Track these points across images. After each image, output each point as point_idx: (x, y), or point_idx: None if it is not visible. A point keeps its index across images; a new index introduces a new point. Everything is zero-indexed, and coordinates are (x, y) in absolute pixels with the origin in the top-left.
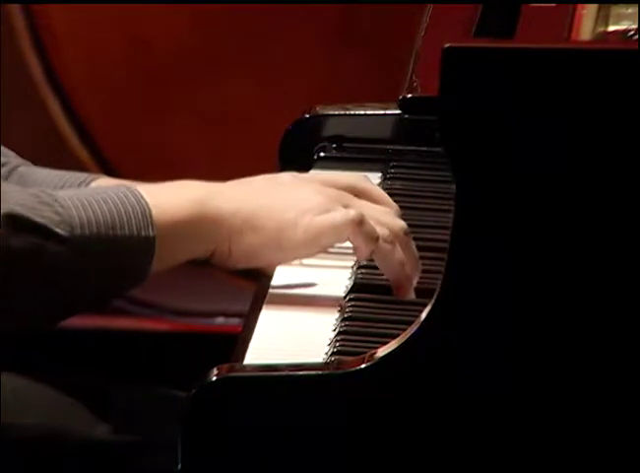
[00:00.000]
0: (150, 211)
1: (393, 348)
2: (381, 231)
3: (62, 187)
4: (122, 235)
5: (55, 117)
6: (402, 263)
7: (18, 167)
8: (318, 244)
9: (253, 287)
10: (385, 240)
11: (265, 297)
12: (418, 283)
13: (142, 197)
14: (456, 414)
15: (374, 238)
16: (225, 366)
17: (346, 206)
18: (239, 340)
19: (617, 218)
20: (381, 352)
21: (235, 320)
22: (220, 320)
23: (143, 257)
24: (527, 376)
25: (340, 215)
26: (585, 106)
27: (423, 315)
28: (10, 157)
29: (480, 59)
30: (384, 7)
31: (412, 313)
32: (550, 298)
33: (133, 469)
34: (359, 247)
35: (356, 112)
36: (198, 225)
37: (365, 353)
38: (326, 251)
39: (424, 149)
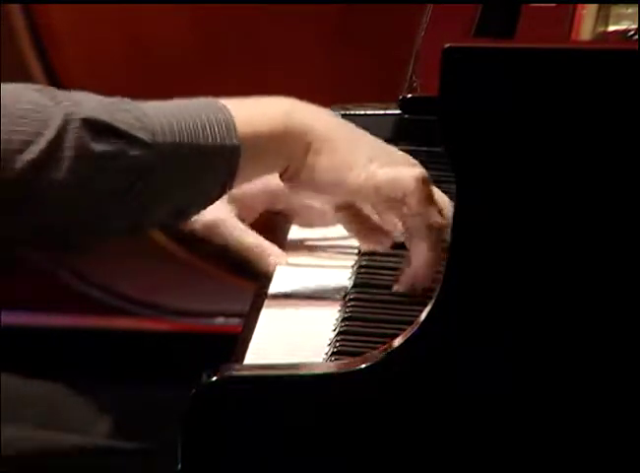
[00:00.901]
0: (234, 121)
1: (393, 348)
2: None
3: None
4: (205, 143)
5: None
6: (431, 250)
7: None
8: (377, 194)
9: (253, 287)
10: (433, 220)
11: (265, 297)
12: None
13: (225, 108)
14: (456, 414)
15: (430, 202)
16: (225, 366)
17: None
18: (239, 340)
19: (618, 217)
20: (381, 352)
21: (235, 320)
22: (220, 320)
23: (226, 167)
24: (527, 376)
25: (406, 170)
26: (585, 106)
27: (423, 315)
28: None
29: (480, 59)
30: (384, 7)
31: (412, 313)
32: (551, 297)
33: (133, 469)
34: (410, 204)
35: (356, 112)
36: (281, 138)
37: (365, 353)
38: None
39: (424, 149)
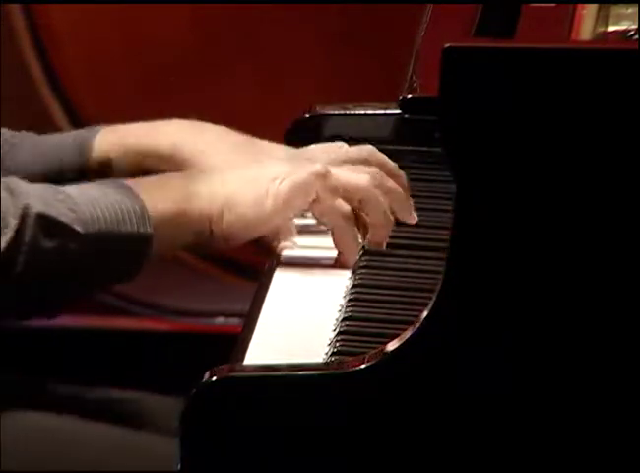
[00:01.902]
0: (146, 209)
1: (393, 348)
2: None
3: (62, 160)
4: (125, 231)
5: (55, 117)
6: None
7: (25, 137)
8: (291, 207)
9: (253, 287)
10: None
11: (265, 297)
12: (418, 283)
13: (137, 196)
14: (456, 414)
15: (337, 191)
16: (225, 366)
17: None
18: (239, 340)
19: (618, 217)
20: (381, 352)
21: (235, 320)
22: (220, 320)
23: (142, 252)
24: (527, 376)
25: (302, 171)
26: (585, 106)
27: (423, 315)
28: (13, 133)
29: (480, 59)
30: (384, 7)
31: (412, 313)
32: (551, 297)
33: (133, 469)
34: (322, 198)
35: (356, 112)
36: (184, 219)
37: (365, 353)
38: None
39: (424, 149)
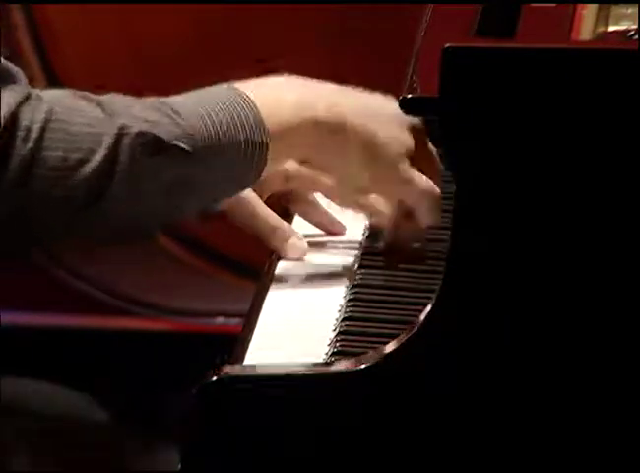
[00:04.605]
0: (261, 116)
1: (393, 348)
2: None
3: None
4: (238, 141)
5: None
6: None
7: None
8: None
9: (253, 287)
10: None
11: (265, 297)
12: (418, 283)
13: (252, 102)
14: (456, 414)
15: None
16: (225, 366)
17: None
18: (239, 340)
19: (618, 217)
20: (381, 352)
21: (235, 320)
22: (220, 320)
23: (258, 161)
24: (527, 377)
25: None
26: (585, 107)
27: (423, 315)
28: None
29: (480, 59)
30: (385, 7)
31: (412, 313)
32: (551, 297)
33: (133, 469)
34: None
35: None
36: (301, 128)
37: (365, 353)
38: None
39: None
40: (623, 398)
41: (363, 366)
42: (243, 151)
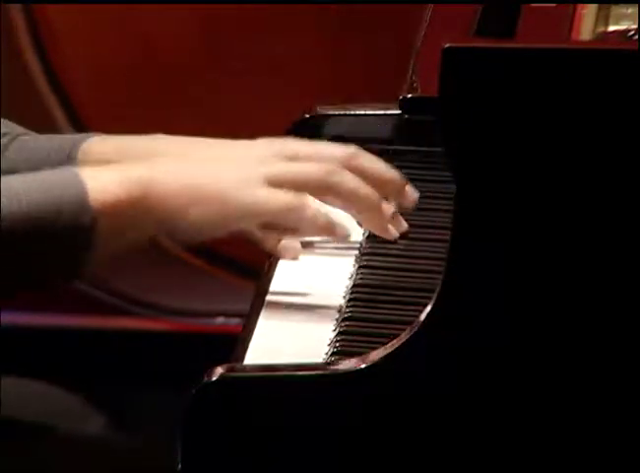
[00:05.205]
0: (86, 196)
1: (393, 348)
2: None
3: (49, 155)
4: (58, 223)
5: (55, 117)
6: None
7: (18, 135)
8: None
9: (253, 287)
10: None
11: (265, 297)
12: (418, 283)
13: (80, 180)
14: (456, 414)
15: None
16: (225, 366)
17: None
18: (239, 340)
19: (618, 217)
20: (381, 352)
21: (235, 320)
22: (220, 320)
23: (81, 245)
24: (528, 376)
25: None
26: (585, 107)
27: (423, 315)
28: (11, 127)
29: (480, 59)
30: (385, 7)
31: (412, 313)
32: (551, 298)
33: (132, 469)
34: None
35: (356, 112)
36: (142, 206)
37: (365, 353)
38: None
39: (424, 149)
40: (623, 398)
41: (363, 366)
42: (61, 234)
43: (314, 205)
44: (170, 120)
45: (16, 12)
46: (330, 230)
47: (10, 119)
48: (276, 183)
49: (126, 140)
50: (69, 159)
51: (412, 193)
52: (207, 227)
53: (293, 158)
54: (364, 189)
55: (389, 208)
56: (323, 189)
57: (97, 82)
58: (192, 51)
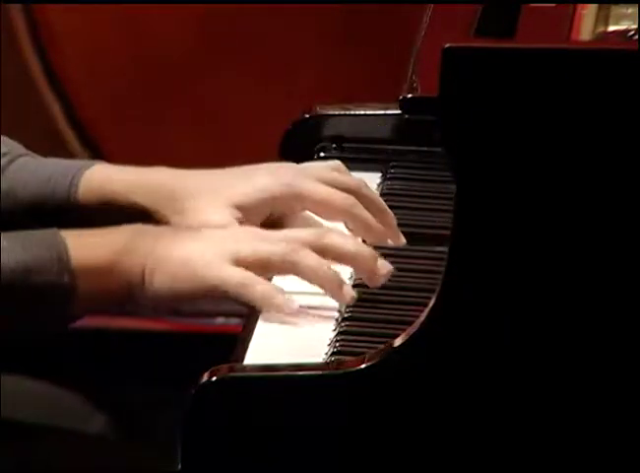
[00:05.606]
0: (67, 256)
1: (393, 348)
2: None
3: (49, 180)
4: (36, 281)
5: (55, 117)
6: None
7: (19, 156)
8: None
9: None
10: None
11: None
12: (418, 283)
13: (61, 241)
14: (456, 414)
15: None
16: (225, 366)
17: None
18: (239, 340)
19: (618, 217)
20: (381, 352)
21: (235, 320)
22: (220, 320)
23: (60, 304)
24: (528, 377)
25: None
26: (585, 107)
27: (423, 315)
28: (11, 146)
29: (480, 59)
30: (385, 7)
31: (412, 313)
32: (551, 297)
33: (133, 469)
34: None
35: (356, 112)
36: (114, 270)
37: (365, 353)
38: None
39: (424, 149)
40: (624, 398)
41: (363, 366)
42: (41, 291)
43: (266, 283)
44: (170, 120)
45: (16, 12)
46: (280, 307)
47: (10, 119)
48: (241, 263)
49: (130, 173)
50: (71, 185)
51: (384, 267)
52: (170, 295)
53: (265, 238)
54: (323, 269)
55: (348, 291)
56: (284, 268)
57: (97, 82)
58: (192, 51)
